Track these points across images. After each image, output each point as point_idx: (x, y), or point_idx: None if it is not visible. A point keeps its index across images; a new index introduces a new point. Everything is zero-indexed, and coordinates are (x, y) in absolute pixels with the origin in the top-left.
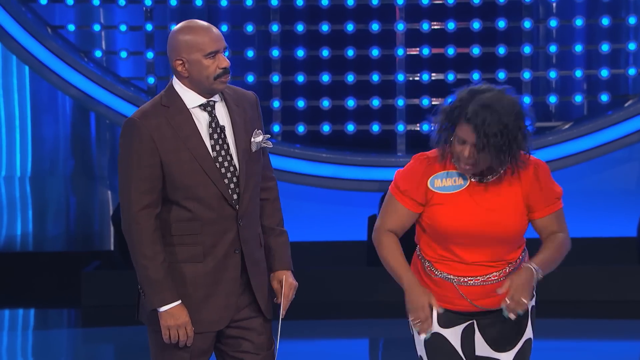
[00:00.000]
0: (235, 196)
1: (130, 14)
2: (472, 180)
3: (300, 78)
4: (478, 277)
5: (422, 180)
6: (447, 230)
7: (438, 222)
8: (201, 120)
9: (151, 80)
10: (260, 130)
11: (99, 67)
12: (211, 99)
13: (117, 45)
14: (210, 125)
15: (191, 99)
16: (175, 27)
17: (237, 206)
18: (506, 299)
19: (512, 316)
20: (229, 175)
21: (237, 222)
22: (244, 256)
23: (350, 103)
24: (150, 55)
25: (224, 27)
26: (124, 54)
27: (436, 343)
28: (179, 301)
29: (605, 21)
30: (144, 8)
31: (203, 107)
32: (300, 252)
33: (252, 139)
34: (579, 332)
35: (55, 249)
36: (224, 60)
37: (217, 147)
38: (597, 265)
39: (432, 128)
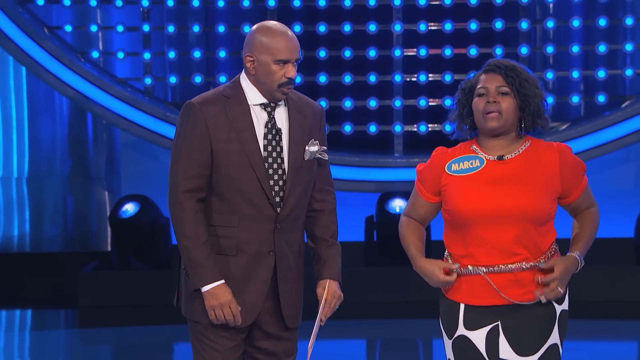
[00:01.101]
0: (277, 199)
1: (127, 15)
2: (490, 159)
3: (297, 79)
4: (508, 264)
5: (438, 169)
6: (466, 213)
7: (456, 205)
8: (259, 118)
9: (148, 80)
10: (317, 141)
11: (96, 67)
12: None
13: (114, 46)
14: (266, 126)
15: (254, 96)
16: (257, 24)
17: (278, 209)
18: (542, 281)
19: (544, 299)
20: (275, 177)
21: (275, 224)
22: (277, 259)
23: (348, 104)
24: (147, 55)
25: (222, 28)
26: (121, 55)
27: (462, 345)
28: (221, 281)
29: (602, 22)
30: (141, 9)
31: (264, 106)
32: None
33: (307, 148)
34: (576, 333)
35: (52, 249)
36: (292, 71)
37: (270, 148)
38: (595, 266)
39: (450, 116)
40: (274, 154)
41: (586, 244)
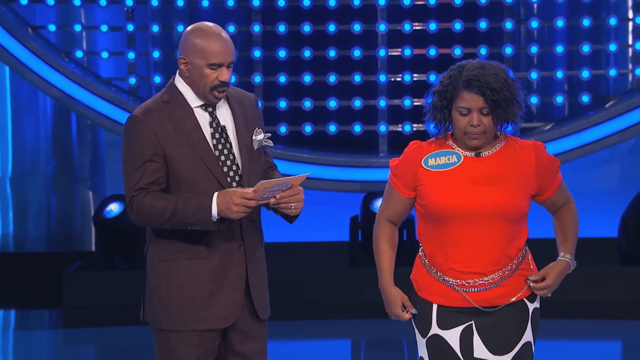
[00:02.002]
0: None
1: (112, 15)
2: (467, 156)
3: (282, 79)
4: (476, 280)
5: (413, 164)
6: (442, 207)
7: (432, 200)
8: (203, 119)
9: (132, 80)
10: (260, 129)
11: (80, 67)
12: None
13: (98, 46)
14: (211, 125)
15: (192, 98)
16: (192, 25)
17: None
18: (533, 288)
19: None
20: (231, 173)
21: (241, 218)
22: (246, 253)
23: (332, 104)
24: (131, 55)
25: None
26: (105, 55)
27: (436, 344)
28: (214, 196)
29: (586, 22)
30: (125, 8)
31: (204, 107)
32: (282, 252)
33: (254, 137)
34: (560, 333)
35: (36, 249)
36: (225, 74)
37: (220, 146)
38: (579, 266)
39: (427, 117)
40: (225, 151)
41: (573, 244)
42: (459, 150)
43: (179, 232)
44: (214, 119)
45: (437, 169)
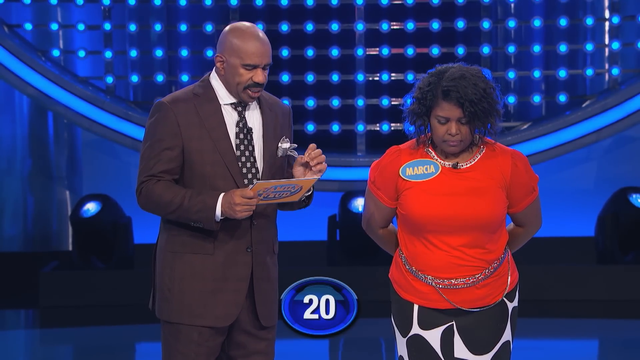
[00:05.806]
0: None
1: (88, 13)
2: (445, 167)
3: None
4: (458, 279)
5: (392, 175)
6: (421, 218)
7: (411, 210)
8: (230, 117)
9: (110, 79)
10: (288, 138)
11: (56, 66)
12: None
13: (75, 45)
14: (237, 125)
15: (224, 95)
16: (230, 25)
17: None
18: None
19: None
20: (249, 176)
21: (251, 221)
22: (254, 257)
23: (310, 103)
24: (108, 54)
25: (183, 27)
26: (82, 53)
27: (417, 344)
28: (219, 198)
29: (563, 22)
30: (102, 7)
31: (234, 106)
32: None
33: (279, 145)
34: (537, 332)
35: (12, 249)
36: (260, 76)
37: (242, 147)
38: (555, 265)
39: (405, 119)
40: (247, 153)
41: None
42: (437, 159)
43: (189, 225)
44: (242, 119)
45: (415, 179)
